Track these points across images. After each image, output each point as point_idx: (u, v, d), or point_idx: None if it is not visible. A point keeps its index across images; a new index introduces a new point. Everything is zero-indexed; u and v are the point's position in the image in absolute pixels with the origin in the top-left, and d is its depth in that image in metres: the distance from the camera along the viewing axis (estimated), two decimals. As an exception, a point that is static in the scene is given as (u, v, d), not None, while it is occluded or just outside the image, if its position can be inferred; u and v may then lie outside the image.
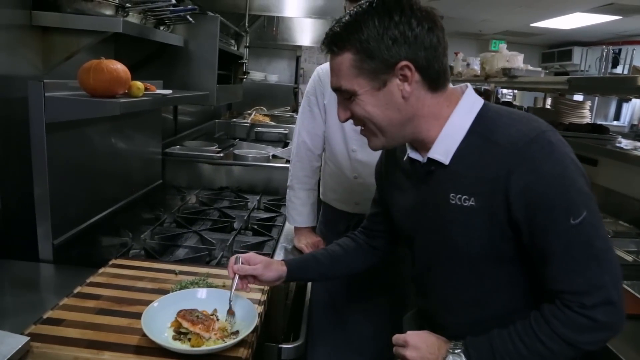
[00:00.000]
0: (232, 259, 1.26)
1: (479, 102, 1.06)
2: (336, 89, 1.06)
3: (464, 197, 1.01)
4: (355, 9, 1.01)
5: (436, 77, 1.02)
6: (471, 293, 1.10)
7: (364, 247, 1.40)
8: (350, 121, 1.09)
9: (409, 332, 1.10)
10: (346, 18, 1.01)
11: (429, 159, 1.06)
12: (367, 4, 1.00)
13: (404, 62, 0.97)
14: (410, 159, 1.11)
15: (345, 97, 1.04)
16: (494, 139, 0.98)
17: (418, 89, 1.01)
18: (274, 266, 1.30)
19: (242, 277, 1.26)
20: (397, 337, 1.11)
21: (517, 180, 0.94)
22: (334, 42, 1.02)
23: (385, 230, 1.37)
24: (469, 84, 1.10)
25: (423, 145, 1.08)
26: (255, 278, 1.27)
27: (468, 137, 1.02)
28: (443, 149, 1.04)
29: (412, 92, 1.00)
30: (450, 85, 1.08)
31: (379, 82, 1.00)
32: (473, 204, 1.00)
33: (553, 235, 0.94)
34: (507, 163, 0.95)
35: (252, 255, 1.30)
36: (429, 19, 0.99)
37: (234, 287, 1.23)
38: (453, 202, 1.03)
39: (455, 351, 1.01)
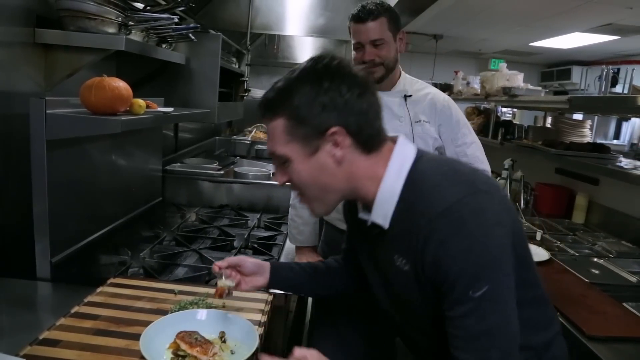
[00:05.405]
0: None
1: (409, 158, 1.04)
2: (271, 154, 1.06)
3: (403, 260, 1.02)
4: (288, 75, 1.02)
5: (369, 140, 1.02)
6: (443, 341, 1.01)
7: (345, 272, 1.40)
8: None
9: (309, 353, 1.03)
10: (280, 84, 1.02)
11: (372, 222, 1.06)
12: (300, 70, 1.01)
13: (334, 129, 0.98)
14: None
15: (281, 162, 1.05)
16: (415, 208, 0.98)
17: (351, 152, 1.01)
18: (263, 267, 1.31)
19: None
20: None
21: (428, 254, 0.94)
22: (267, 107, 1.03)
23: (358, 265, 1.34)
24: (400, 136, 1.08)
25: (367, 206, 1.07)
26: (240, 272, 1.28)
27: (400, 203, 1.01)
28: (382, 213, 1.03)
29: (344, 156, 1.00)
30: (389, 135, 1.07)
31: (311, 147, 1.00)
32: (407, 268, 1.01)
33: (454, 303, 0.94)
34: (422, 235, 0.95)
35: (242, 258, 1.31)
36: (360, 84, 1.00)
37: (224, 277, 1.24)
38: (397, 263, 1.03)
39: None
